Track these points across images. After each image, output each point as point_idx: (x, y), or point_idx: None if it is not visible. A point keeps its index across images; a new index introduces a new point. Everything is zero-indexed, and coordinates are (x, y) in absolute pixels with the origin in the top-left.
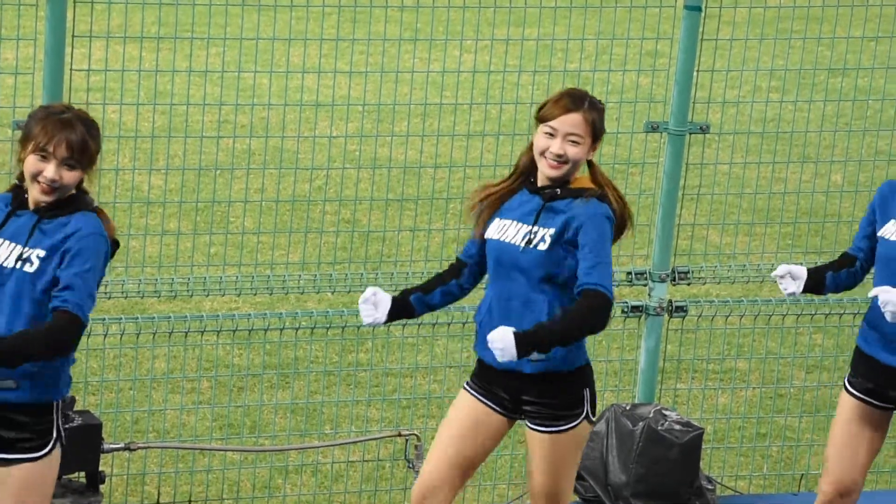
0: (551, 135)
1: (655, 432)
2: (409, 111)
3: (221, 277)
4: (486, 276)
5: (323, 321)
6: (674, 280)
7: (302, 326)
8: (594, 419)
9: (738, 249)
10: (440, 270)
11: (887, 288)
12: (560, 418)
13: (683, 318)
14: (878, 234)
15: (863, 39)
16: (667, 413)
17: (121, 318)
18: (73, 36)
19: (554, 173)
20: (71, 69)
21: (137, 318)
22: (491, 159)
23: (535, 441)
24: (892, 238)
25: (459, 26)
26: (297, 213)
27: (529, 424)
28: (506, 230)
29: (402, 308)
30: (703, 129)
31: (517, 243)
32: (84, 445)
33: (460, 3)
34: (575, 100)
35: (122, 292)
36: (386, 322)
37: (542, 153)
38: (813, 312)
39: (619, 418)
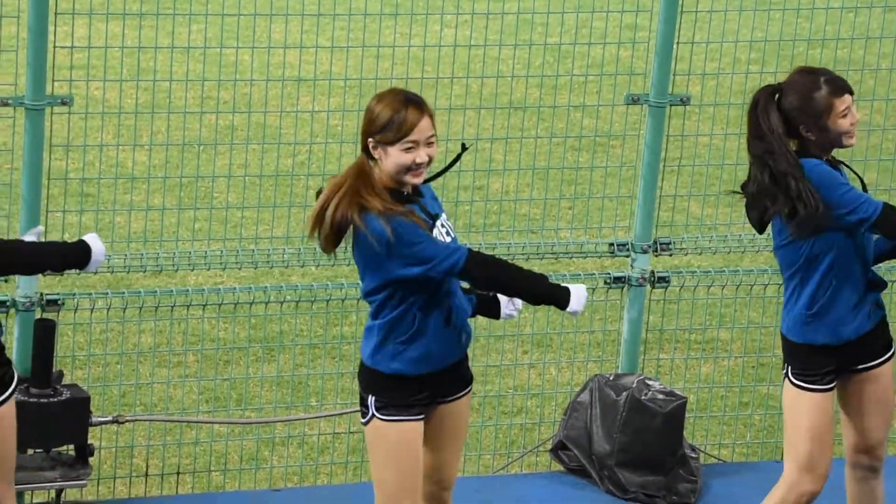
0: (412, 148)
1: (639, 402)
2: (391, 86)
3: (206, 252)
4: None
5: (307, 294)
6: (656, 251)
7: (287, 300)
8: None
9: (719, 220)
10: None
11: None
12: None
13: (666, 288)
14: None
15: (841, 10)
16: (650, 383)
17: (107, 293)
18: (55, 13)
19: (419, 180)
20: (54, 46)
21: (123, 292)
22: (472, 133)
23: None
24: None
25: (440, 1)
26: (281, 187)
27: (448, 399)
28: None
29: (490, 305)
30: (684, 101)
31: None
32: (72, 419)
33: None
34: (418, 104)
35: (109, 267)
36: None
37: (409, 169)
38: None
39: (602, 388)
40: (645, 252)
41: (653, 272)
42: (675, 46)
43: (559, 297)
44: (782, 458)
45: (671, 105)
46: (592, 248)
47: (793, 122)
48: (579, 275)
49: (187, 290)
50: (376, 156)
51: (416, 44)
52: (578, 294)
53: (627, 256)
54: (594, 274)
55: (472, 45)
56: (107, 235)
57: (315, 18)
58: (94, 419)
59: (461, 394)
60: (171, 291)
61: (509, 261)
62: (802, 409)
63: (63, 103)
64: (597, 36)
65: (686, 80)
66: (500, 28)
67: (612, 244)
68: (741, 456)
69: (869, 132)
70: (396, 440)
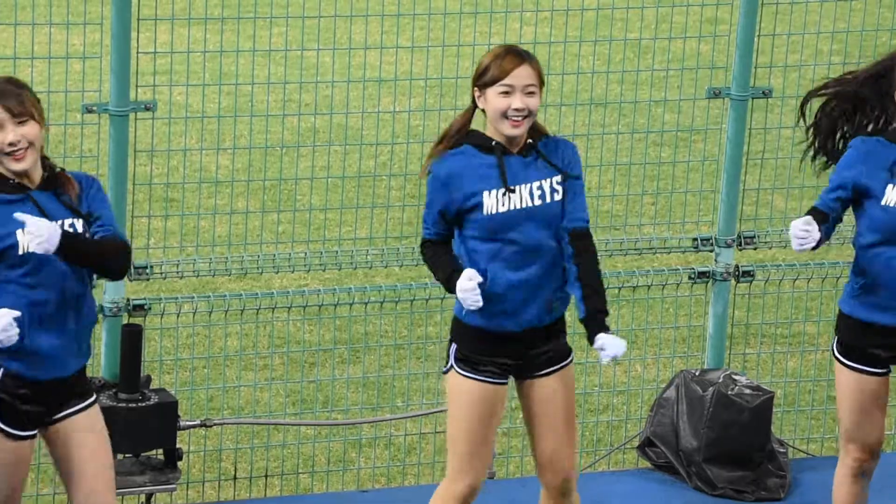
0: (508, 93)
1: (726, 397)
2: (471, 85)
3: (290, 254)
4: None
5: (391, 295)
6: (740, 245)
7: (371, 301)
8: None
9: (804, 213)
10: (441, 255)
11: None
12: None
13: (750, 282)
14: (882, 202)
15: None
16: (736, 378)
17: (193, 297)
18: (138, 20)
19: (518, 131)
20: (137, 53)
21: (209, 296)
22: (555, 129)
23: (555, 383)
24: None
25: None
26: (363, 188)
27: (542, 373)
28: (509, 197)
29: None
30: (766, 94)
31: (532, 204)
32: (161, 423)
33: None
34: (519, 54)
35: (194, 271)
36: None
37: (504, 113)
38: None
39: (688, 384)
40: (729, 246)
41: (737, 266)
42: (756, 39)
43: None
44: None
45: (753, 98)
46: (676, 243)
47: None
48: (663, 270)
49: (272, 293)
50: (481, 105)
51: (495, 42)
52: None
53: (711, 251)
54: (678, 269)
55: (552, 42)
56: (191, 239)
57: (395, 18)
58: (182, 423)
59: (543, 372)
60: (257, 294)
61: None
62: None
63: (147, 109)
64: (677, 30)
65: (768, 73)
66: (580, 24)
67: (695, 239)
68: (830, 450)
69: None
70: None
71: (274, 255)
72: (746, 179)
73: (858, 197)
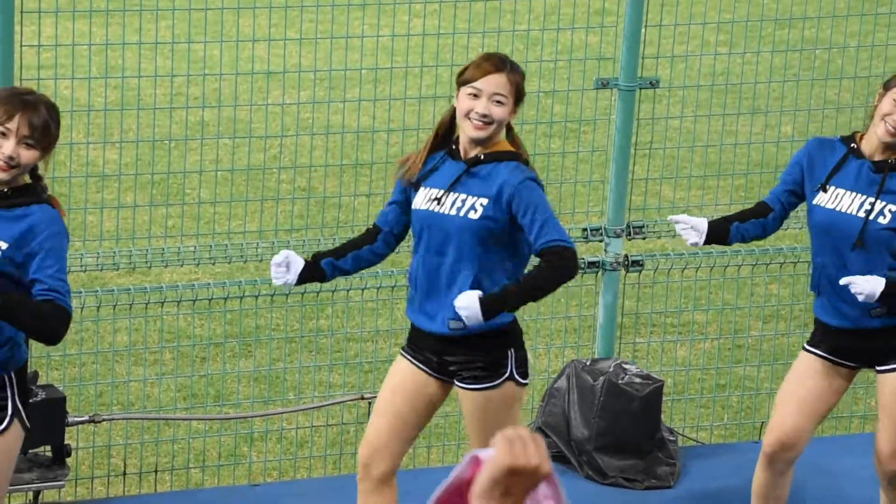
0: (475, 96)
1: (616, 386)
2: (361, 77)
3: (180, 248)
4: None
5: (282, 289)
6: (629, 235)
7: (262, 294)
8: (524, 382)
9: (692, 203)
10: (354, 236)
11: (857, 279)
12: (485, 378)
13: (640, 272)
14: (813, 202)
15: None
16: (627, 367)
17: (80, 292)
18: (21, 12)
19: (479, 134)
20: (21, 46)
21: (97, 291)
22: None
23: (464, 401)
24: (828, 206)
25: None
26: (253, 182)
27: (458, 384)
28: (435, 199)
29: (314, 271)
30: (653, 84)
31: (450, 213)
32: (49, 419)
33: None
34: (498, 62)
35: (82, 266)
36: (296, 284)
37: (467, 114)
38: (768, 262)
39: (579, 374)
40: (618, 236)
41: (626, 256)
42: (643, 30)
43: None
44: (760, 439)
45: (641, 88)
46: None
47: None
48: None
49: (162, 287)
50: (455, 102)
51: (384, 34)
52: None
53: (601, 241)
54: None
55: (441, 34)
56: (79, 234)
57: (283, 11)
58: (70, 419)
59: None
60: (146, 289)
61: None
62: None
63: None
64: (565, 22)
65: (655, 64)
66: (469, 16)
67: (585, 229)
68: (719, 438)
69: (838, 111)
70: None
71: (163, 250)
72: (635, 169)
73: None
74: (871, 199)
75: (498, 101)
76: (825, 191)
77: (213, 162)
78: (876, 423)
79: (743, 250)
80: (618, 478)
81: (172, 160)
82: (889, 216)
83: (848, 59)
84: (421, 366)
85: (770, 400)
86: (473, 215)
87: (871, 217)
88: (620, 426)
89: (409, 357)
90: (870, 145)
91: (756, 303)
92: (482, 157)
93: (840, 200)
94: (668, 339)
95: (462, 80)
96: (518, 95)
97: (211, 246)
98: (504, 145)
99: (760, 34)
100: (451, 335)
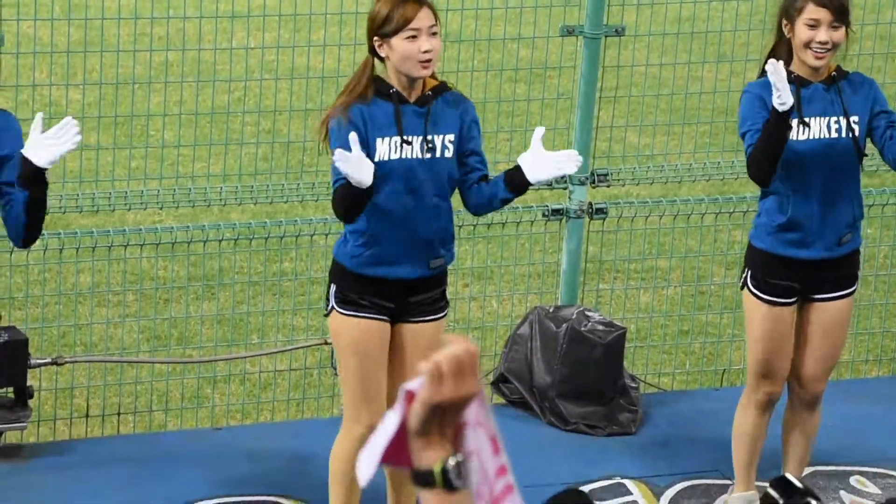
0: (415, 37)
1: (579, 333)
2: (326, 20)
3: (143, 191)
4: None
5: (246, 232)
6: (593, 182)
7: (225, 238)
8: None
9: (657, 150)
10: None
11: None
12: (443, 307)
13: (604, 220)
14: (791, 138)
15: None
16: (590, 314)
17: (44, 235)
18: None
19: (428, 72)
20: None
21: (60, 233)
22: None
23: (418, 334)
24: (810, 137)
25: None
26: (217, 124)
27: (414, 320)
28: (408, 143)
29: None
30: (619, 32)
31: (438, 156)
32: (11, 361)
33: None
34: None
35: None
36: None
37: (414, 57)
38: (731, 210)
39: (542, 321)
40: (582, 184)
41: (590, 204)
42: None
43: None
44: (721, 386)
45: (606, 36)
46: None
47: (779, 17)
48: (518, 207)
49: (124, 230)
50: (383, 54)
51: None
52: None
53: (565, 188)
54: (532, 207)
55: None
56: None
57: None
58: (32, 361)
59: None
60: (108, 232)
61: None
62: None
63: None
64: None
65: (621, 9)
66: None
67: None
68: (681, 384)
69: None
70: None
71: (126, 193)
72: (600, 115)
73: None
74: (837, 118)
75: (434, 33)
76: (807, 125)
77: (178, 104)
78: (800, 347)
79: (707, 198)
80: (579, 424)
81: (136, 101)
82: (857, 128)
83: None
84: (381, 316)
85: (732, 346)
86: (448, 154)
87: (852, 134)
88: (583, 373)
89: (362, 315)
90: (803, 72)
91: (719, 250)
92: (430, 94)
93: (816, 129)
94: (632, 286)
95: (393, 29)
96: (438, 21)
97: (174, 189)
98: (430, 79)
99: None
100: (427, 274)
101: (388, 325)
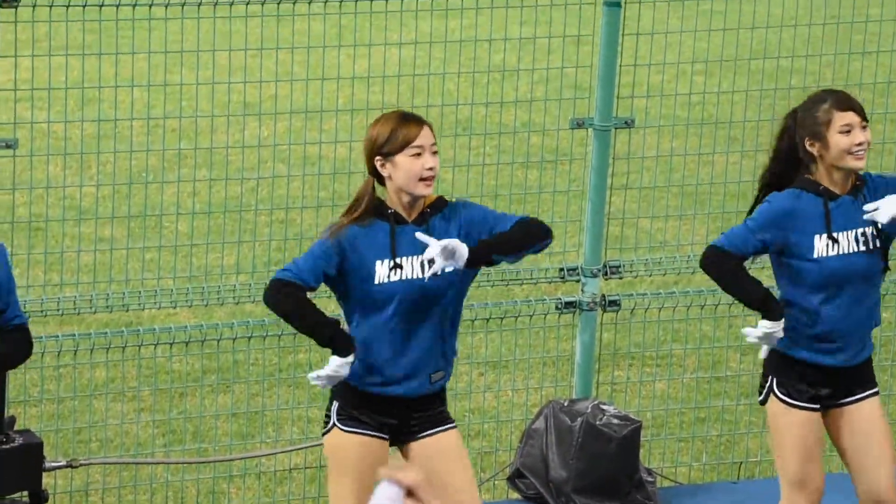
0: (419, 154)
1: (594, 427)
2: (337, 109)
3: (157, 290)
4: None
5: (259, 330)
6: (605, 275)
7: (238, 336)
8: None
9: (669, 234)
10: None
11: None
12: (448, 417)
13: (617, 311)
14: (818, 256)
15: (781, 24)
16: (605, 407)
17: (58, 336)
18: None
19: (431, 190)
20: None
21: (75, 334)
22: None
23: (440, 443)
24: (840, 253)
25: (384, 21)
26: (231, 214)
27: (422, 436)
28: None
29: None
30: (629, 124)
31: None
32: (26, 465)
33: None
34: (415, 116)
35: (59, 310)
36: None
37: (419, 175)
38: None
39: (557, 415)
40: (595, 276)
41: (604, 296)
42: (617, 70)
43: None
44: (739, 479)
45: (616, 128)
46: (543, 273)
47: (799, 137)
48: (531, 301)
49: (138, 330)
50: (386, 174)
51: (361, 66)
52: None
53: (578, 281)
54: (545, 300)
55: (417, 74)
56: (56, 269)
57: (259, 44)
58: (48, 464)
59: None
60: (122, 332)
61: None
62: None
63: (7, 146)
64: (542, 52)
65: (631, 102)
66: (444, 52)
67: (562, 269)
68: (698, 475)
69: None
70: None
71: (140, 292)
72: (612, 201)
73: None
74: (861, 230)
75: (434, 151)
76: (835, 241)
77: (191, 195)
78: (853, 459)
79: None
80: None
81: (150, 193)
82: (881, 239)
83: (824, 87)
84: (380, 434)
85: (749, 433)
86: (449, 268)
87: (874, 246)
88: (599, 467)
89: (362, 432)
90: (831, 182)
91: (734, 335)
92: (428, 210)
93: (844, 244)
94: (647, 374)
95: (396, 147)
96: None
97: (188, 289)
98: (430, 196)
99: (736, 63)
100: (428, 391)
101: (385, 443)
